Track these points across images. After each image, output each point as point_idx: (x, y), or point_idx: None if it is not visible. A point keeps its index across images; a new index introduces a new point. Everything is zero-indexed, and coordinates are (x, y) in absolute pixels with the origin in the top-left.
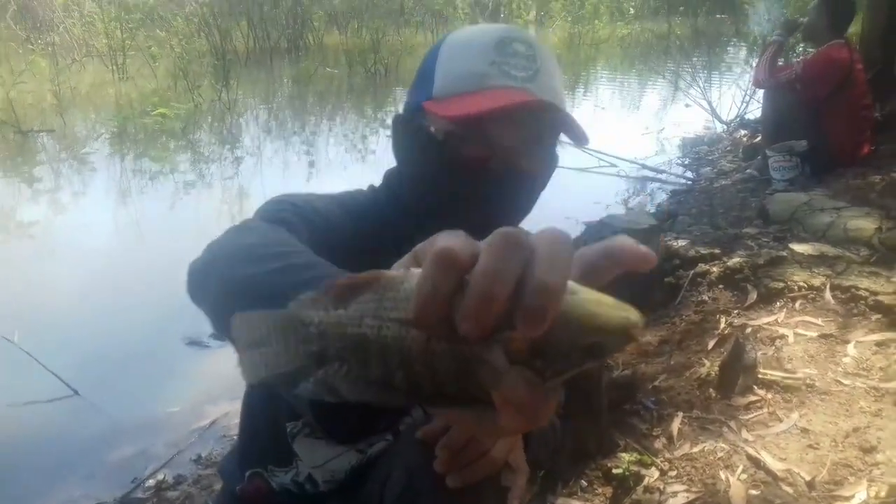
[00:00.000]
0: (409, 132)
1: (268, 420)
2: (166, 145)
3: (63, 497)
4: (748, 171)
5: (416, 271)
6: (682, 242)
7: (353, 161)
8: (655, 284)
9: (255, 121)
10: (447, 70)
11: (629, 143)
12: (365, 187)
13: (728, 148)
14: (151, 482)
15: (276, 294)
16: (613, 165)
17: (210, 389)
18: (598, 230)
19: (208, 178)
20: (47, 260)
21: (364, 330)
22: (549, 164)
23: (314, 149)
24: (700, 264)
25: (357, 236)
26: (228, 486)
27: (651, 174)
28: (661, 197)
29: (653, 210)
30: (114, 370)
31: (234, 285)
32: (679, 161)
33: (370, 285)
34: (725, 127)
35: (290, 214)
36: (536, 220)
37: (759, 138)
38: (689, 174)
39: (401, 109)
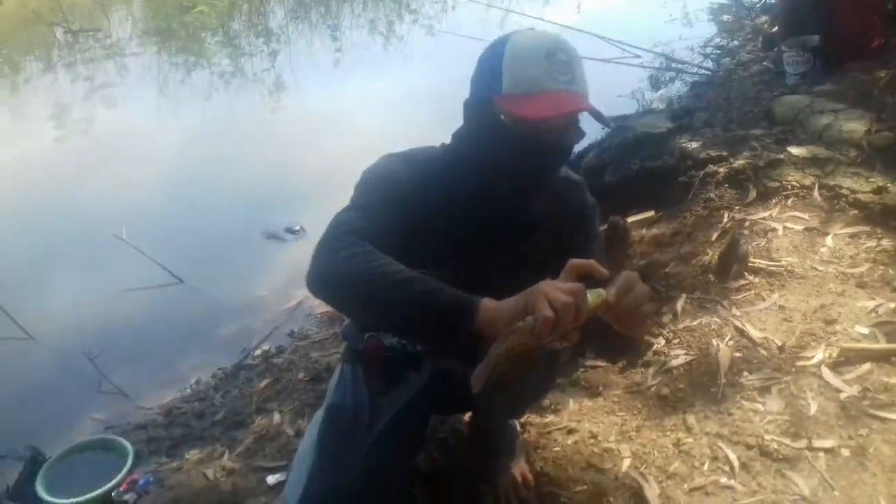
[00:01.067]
0: (481, 118)
1: None
2: (205, 40)
3: (188, 365)
4: (765, 63)
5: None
6: (694, 145)
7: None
8: (671, 182)
9: (285, 12)
10: (512, 73)
11: (653, 29)
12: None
13: (749, 35)
14: (258, 352)
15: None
16: (637, 56)
17: (291, 276)
18: (620, 134)
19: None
20: (131, 160)
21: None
22: (579, 136)
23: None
24: (710, 165)
25: (428, 203)
26: (351, 346)
27: (673, 65)
28: (680, 88)
29: (673, 103)
30: (208, 261)
31: (376, 308)
32: (700, 50)
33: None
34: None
35: (365, 222)
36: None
37: (776, 28)
38: (708, 64)
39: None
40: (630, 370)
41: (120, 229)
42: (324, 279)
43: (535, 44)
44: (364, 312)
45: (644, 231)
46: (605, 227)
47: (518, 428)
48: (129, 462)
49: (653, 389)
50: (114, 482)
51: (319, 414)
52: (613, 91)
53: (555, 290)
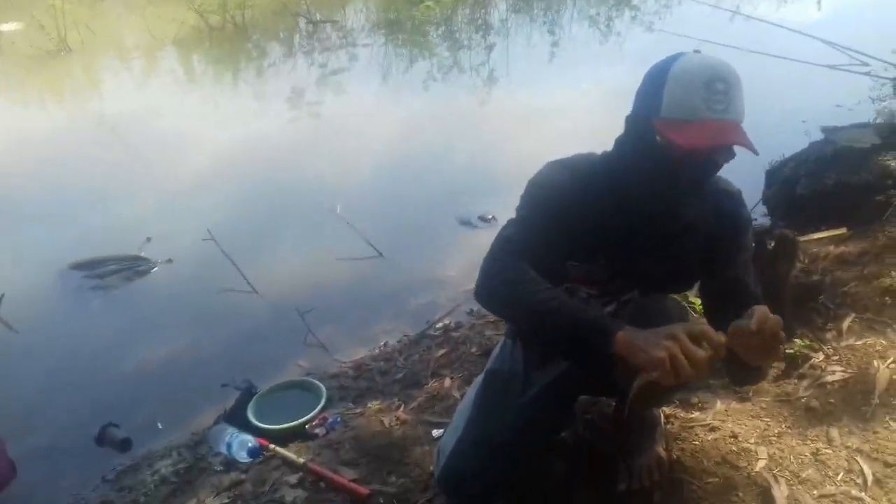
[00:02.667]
0: (639, 134)
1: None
2: (429, 33)
3: (379, 329)
4: None
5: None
6: None
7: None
8: (867, 200)
9: (507, 6)
10: (670, 98)
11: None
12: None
13: None
14: (440, 325)
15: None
16: (865, 64)
17: (476, 260)
18: (821, 147)
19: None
20: (351, 142)
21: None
22: (728, 158)
23: (558, 28)
24: None
25: (587, 207)
26: (510, 327)
27: None
28: None
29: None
30: (407, 239)
31: (530, 329)
32: None
33: None
34: None
35: (525, 237)
36: (775, 124)
37: None
38: None
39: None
40: (783, 380)
41: (335, 205)
42: (488, 299)
43: (696, 71)
44: (522, 328)
45: (831, 248)
46: (773, 240)
47: (661, 417)
48: (322, 403)
49: (802, 401)
50: (309, 416)
51: (479, 378)
52: (832, 100)
53: (688, 345)
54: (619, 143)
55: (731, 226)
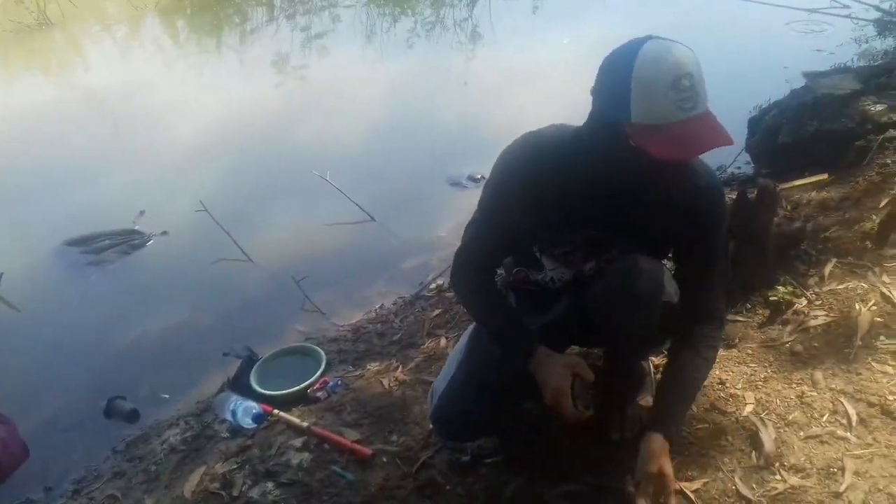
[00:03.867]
0: (611, 138)
1: (525, 248)
2: None
3: (374, 292)
4: None
5: None
6: (878, 108)
7: None
8: (848, 146)
9: None
10: (640, 106)
11: None
12: None
13: None
14: (433, 286)
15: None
16: (846, 7)
17: (467, 220)
18: (802, 95)
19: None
20: (337, 106)
21: None
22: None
23: None
24: (890, 129)
25: (555, 184)
26: (506, 275)
27: (885, 17)
28: (890, 44)
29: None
30: (397, 202)
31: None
32: None
33: None
34: None
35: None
36: (757, 72)
37: None
38: None
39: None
40: (768, 327)
41: (324, 171)
42: (457, 294)
43: (661, 74)
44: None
45: (813, 194)
46: (755, 189)
47: (650, 367)
48: (323, 367)
49: (787, 346)
50: (310, 381)
51: (472, 325)
52: (813, 44)
53: (561, 395)
54: (591, 129)
55: (705, 221)
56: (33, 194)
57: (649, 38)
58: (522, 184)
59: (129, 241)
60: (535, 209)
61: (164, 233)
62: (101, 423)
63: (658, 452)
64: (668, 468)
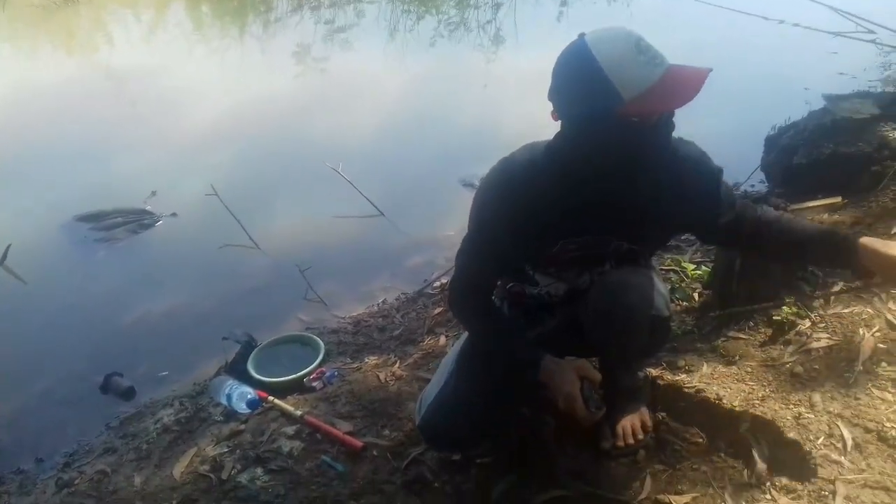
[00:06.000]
0: (604, 131)
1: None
2: None
3: (378, 286)
4: None
5: None
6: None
7: None
8: (863, 170)
9: None
10: (623, 82)
11: None
12: None
13: None
14: (437, 284)
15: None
16: (871, 32)
17: None
18: (820, 117)
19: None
20: (355, 100)
21: None
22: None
23: None
24: None
25: (547, 199)
26: (498, 290)
27: None
28: None
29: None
30: (408, 198)
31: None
32: None
33: None
34: None
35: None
36: (779, 92)
37: None
38: None
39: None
40: (770, 346)
41: (337, 163)
42: (458, 321)
43: (620, 46)
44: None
45: (826, 216)
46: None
47: (646, 378)
48: (321, 357)
49: (787, 366)
50: (307, 370)
51: (464, 335)
52: (836, 67)
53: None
54: (567, 137)
55: (706, 180)
56: (47, 169)
57: (580, 35)
58: (499, 214)
59: (138, 220)
60: (521, 233)
61: (174, 214)
62: (96, 399)
63: (881, 242)
64: None
